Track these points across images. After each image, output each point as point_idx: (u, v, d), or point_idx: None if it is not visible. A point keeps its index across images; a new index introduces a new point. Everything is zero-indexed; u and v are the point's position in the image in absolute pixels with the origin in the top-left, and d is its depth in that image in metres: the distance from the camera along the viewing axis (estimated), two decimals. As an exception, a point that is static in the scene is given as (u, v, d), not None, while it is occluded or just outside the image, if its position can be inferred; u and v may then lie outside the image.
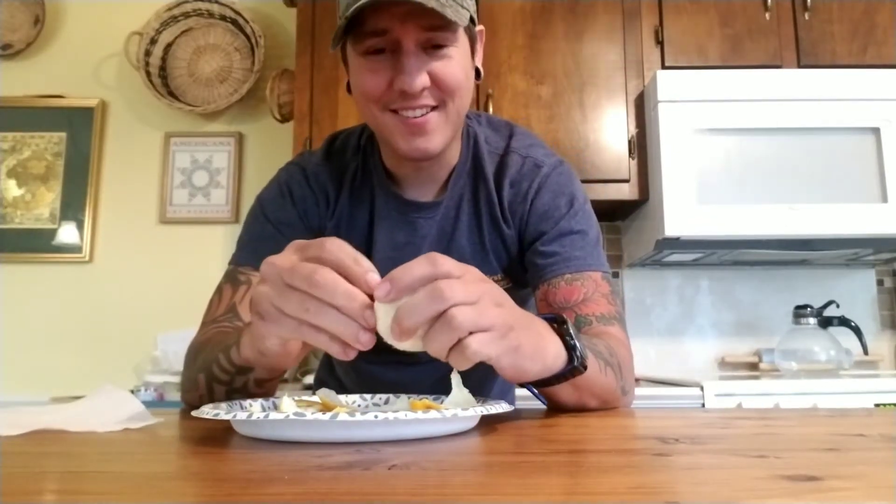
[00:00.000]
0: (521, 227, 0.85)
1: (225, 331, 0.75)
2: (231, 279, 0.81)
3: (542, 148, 0.88)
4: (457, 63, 0.73)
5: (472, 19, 0.73)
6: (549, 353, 0.55)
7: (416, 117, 0.73)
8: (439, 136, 0.75)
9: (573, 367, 0.58)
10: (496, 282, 0.85)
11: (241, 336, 0.61)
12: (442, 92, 0.72)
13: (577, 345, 0.57)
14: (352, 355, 0.48)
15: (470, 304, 0.46)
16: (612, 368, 0.66)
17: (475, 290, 0.47)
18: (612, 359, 0.68)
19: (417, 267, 0.46)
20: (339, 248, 0.47)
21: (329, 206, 0.86)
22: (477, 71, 0.80)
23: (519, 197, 0.84)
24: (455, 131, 0.79)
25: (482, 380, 0.95)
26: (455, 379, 0.55)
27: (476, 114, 0.91)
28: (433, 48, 0.71)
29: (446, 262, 0.47)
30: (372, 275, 0.46)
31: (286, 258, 0.49)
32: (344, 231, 0.86)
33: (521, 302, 0.95)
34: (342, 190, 0.86)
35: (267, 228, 0.84)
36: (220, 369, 0.66)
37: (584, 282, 0.78)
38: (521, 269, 0.87)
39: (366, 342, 0.46)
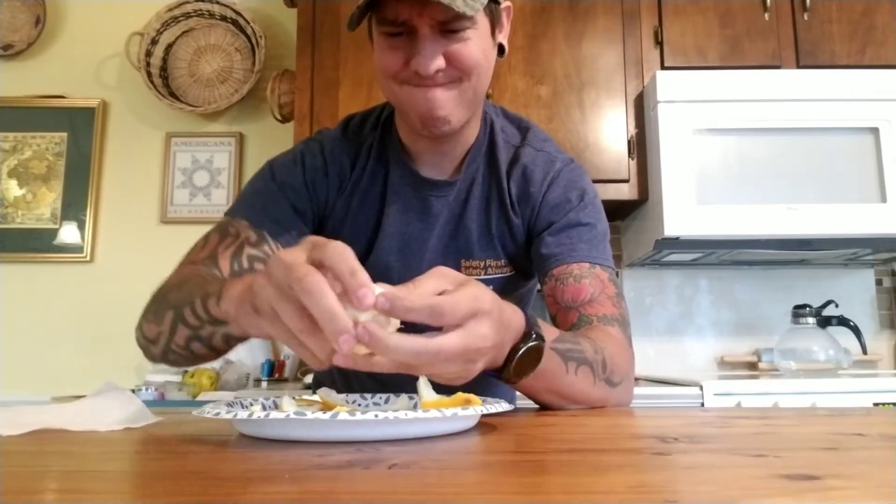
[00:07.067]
0: (530, 219, 0.86)
1: (203, 275, 0.74)
2: (220, 229, 0.81)
3: (555, 145, 0.90)
4: (474, 44, 0.74)
5: None
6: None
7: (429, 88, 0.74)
8: (452, 109, 0.76)
9: (496, 375, 0.59)
10: (499, 268, 0.85)
11: (224, 289, 0.60)
12: (458, 71, 0.74)
13: (511, 367, 0.57)
14: (326, 366, 0.47)
15: (452, 363, 0.48)
16: (589, 366, 0.67)
17: (466, 347, 0.47)
18: (595, 356, 0.68)
19: (418, 302, 0.46)
20: (340, 256, 0.45)
21: (342, 179, 0.86)
22: (501, 48, 0.81)
23: (531, 188, 0.85)
24: (472, 110, 0.80)
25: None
26: (422, 381, 0.54)
27: (493, 105, 0.93)
28: (450, 31, 0.72)
29: (447, 311, 0.47)
30: (364, 290, 0.44)
31: (294, 254, 0.47)
32: (356, 204, 0.86)
33: (523, 296, 0.94)
34: (357, 163, 0.87)
35: (270, 186, 0.84)
36: (193, 314, 0.64)
37: (592, 281, 0.79)
38: (527, 260, 0.87)
39: (342, 362, 0.46)
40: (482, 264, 0.86)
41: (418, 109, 0.75)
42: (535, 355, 0.59)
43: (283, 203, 0.83)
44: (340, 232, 0.86)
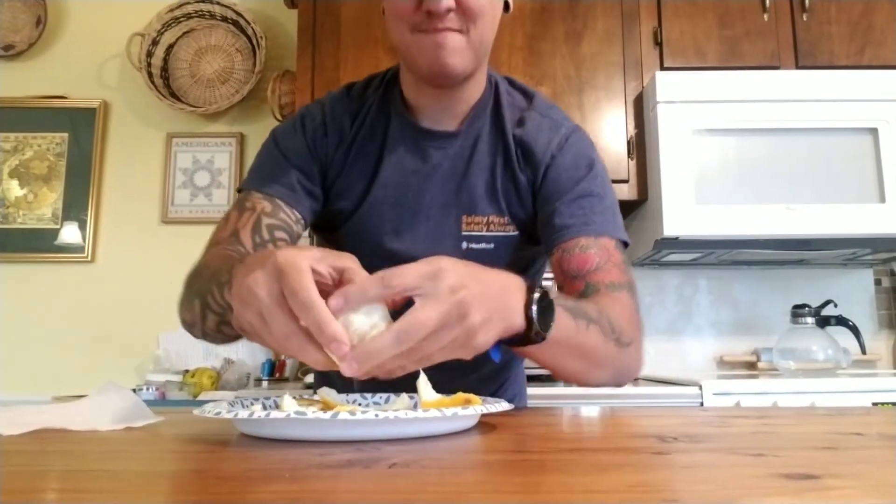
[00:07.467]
0: (537, 181, 0.86)
1: (227, 254, 0.75)
2: (238, 206, 0.83)
3: (561, 112, 0.91)
4: None
5: None
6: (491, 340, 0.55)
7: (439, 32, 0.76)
8: (459, 56, 0.77)
9: (523, 336, 0.58)
10: (502, 226, 0.85)
11: (232, 275, 0.60)
12: (466, 16, 0.75)
13: (535, 319, 0.57)
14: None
15: (446, 329, 0.48)
16: (598, 325, 0.68)
17: (441, 304, 0.48)
18: (600, 316, 0.69)
19: (371, 287, 0.48)
20: (306, 311, 0.46)
21: (342, 136, 0.88)
22: (506, 4, 0.83)
23: (536, 150, 0.85)
24: (478, 59, 0.81)
25: (496, 371, 0.96)
26: (422, 380, 0.54)
27: (500, 75, 0.94)
28: None
29: (396, 274, 0.48)
30: (335, 345, 0.45)
31: (264, 286, 0.48)
32: (353, 155, 0.87)
33: (530, 263, 0.93)
34: (356, 120, 0.88)
35: (274, 154, 0.86)
36: (214, 301, 0.66)
37: (598, 251, 0.80)
38: (532, 223, 0.87)
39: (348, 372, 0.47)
40: (485, 220, 0.86)
41: (427, 55, 0.77)
42: (551, 303, 0.59)
43: (290, 169, 0.85)
44: (337, 183, 0.87)
